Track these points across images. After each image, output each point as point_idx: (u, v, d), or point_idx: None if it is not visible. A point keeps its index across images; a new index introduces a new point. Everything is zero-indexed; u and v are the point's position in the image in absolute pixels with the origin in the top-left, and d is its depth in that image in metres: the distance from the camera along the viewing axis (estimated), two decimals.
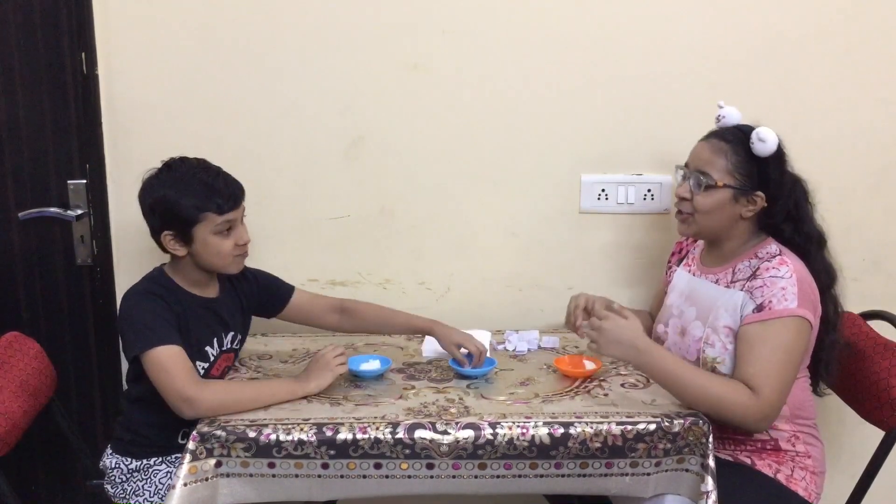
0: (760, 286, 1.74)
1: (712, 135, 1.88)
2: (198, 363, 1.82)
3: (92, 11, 2.09)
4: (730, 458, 1.83)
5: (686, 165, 1.88)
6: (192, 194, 1.76)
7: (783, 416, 1.80)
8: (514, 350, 2.08)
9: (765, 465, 1.80)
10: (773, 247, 1.81)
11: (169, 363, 1.68)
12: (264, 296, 2.03)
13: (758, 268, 1.77)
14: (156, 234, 1.81)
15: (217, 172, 1.81)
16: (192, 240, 1.78)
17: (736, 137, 1.82)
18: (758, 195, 1.80)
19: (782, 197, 1.82)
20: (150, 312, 1.74)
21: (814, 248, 1.85)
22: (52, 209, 2.18)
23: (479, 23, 2.15)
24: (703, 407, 1.68)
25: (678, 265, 2.04)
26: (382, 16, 2.13)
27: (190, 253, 1.80)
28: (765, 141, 1.76)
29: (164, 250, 1.83)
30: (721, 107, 1.92)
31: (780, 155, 1.81)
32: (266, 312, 2.06)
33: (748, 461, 1.81)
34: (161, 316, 1.75)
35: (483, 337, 2.10)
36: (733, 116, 1.89)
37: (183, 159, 1.83)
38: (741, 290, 1.78)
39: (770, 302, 1.71)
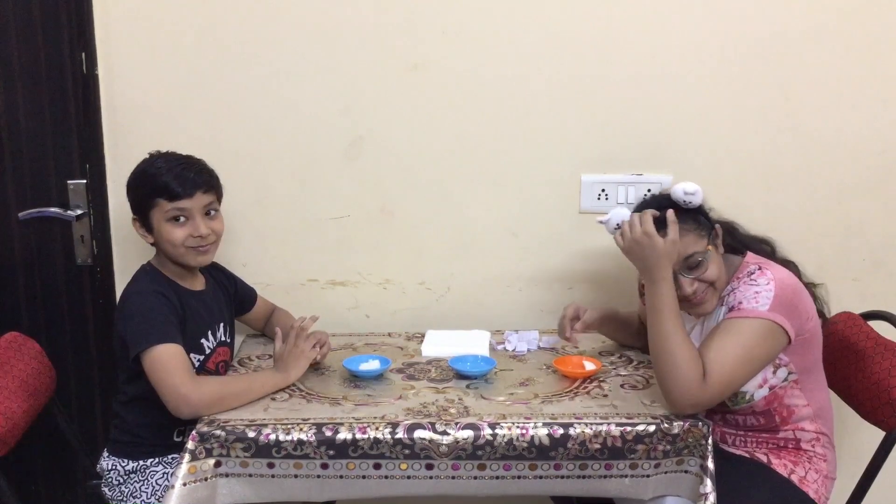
0: (735, 293, 1.76)
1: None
2: (193, 355, 1.83)
3: (92, 11, 2.09)
4: (746, 455, 1.83)
5: None
6: (148, 181, 1.82)
7: (807, 417, 1.81)
8: (513, 350, 2.08)
9: (780, 465, 1.80)
10: (752, 266, 1.80)
11: (169, 361, 1.69)
12: (238, 295, 2.09)
13: (738, 286, 1.77)
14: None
15: (180, 163, 1.83)
16: (151, 227, 1.82)
17: (665, 212, 1.76)
18: (716, 229, 1.83)
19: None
20: (154, 310, 1.75)
21: (729, 237, 1.87)
22: (52, 209, 2.18)
23: (479, 23, 2.14)
24: (659, 357, 1.68)
25: None
26: (382, 16, 2.13)
27: (155, 241, 1.84)
28: (694, 193, 1.77)
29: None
30: (603, 221, 1.83)
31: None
32: (236, 312, 2.10)
33: (764, 459, 1.81)
34: (164, 314, 1.76)
35: (483, 337, 2.10)
36: (622, 214, 1.81)
37: (159, 153, 1.87)
38: (722, 305, 1.80)
39: (740, 303, 1.72)
